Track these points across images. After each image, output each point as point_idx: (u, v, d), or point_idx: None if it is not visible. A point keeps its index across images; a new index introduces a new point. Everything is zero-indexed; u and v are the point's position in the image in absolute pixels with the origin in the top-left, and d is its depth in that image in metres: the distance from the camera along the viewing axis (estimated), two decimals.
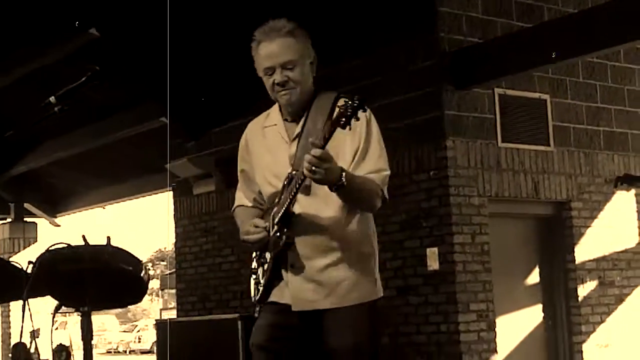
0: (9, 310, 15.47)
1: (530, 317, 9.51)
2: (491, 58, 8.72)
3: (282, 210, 3.70)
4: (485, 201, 8.86)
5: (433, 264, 8.71)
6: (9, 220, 16.30)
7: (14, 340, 15.21)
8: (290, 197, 3.66)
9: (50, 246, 4.07)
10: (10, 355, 14.16)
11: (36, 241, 16.03)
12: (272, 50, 3.76)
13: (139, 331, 44.87)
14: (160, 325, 13.26)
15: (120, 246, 4.13)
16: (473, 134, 8.89)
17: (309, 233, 3.74)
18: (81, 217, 17.19)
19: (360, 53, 9.54)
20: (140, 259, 4.09)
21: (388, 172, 3.82)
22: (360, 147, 3.76)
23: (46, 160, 14.02)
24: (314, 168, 3.44)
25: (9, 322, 15.58)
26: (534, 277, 9.63)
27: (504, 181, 9.04)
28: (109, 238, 4.03)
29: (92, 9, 9.18)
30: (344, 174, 3.54)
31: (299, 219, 3.73)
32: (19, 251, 15.28)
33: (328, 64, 9.65)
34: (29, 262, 4.28)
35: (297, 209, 3.73)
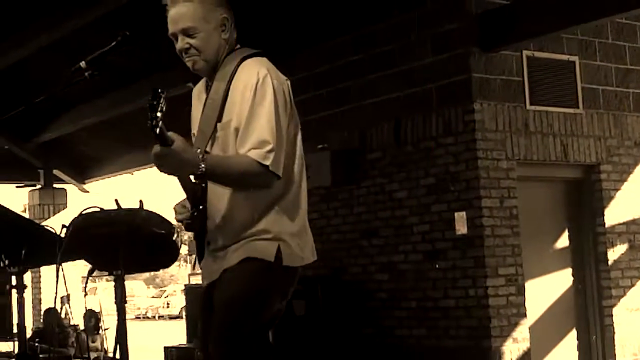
0: (40, 276, 15.60)
1: (560, 281, 9.49)
2: (519, 20, 8.64)
3: (185, 189, 3.68)
4: (513, 164, 8.83)
5: (461, 228, 8.70)
6: (38, 186, 16.40)
7: (45, 305, 15.36)
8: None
9: (84, 210, 4.10)
10: (41, 320, 14.32)
11: (66, 207, 16.12)
12: (172, 16, 3.70)
13: (167, 297, 45.19)
14: (188, 290, 13.37)
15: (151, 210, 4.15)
16: (501, 97, 8.84)
17: (211, 209, 3.67)
18: (110, 183, 17.28)
19: (387, 16, 9.50)
20: (173, 224, 4.11)
21: (271, 145, 3.51)
22: (245, 118, 3.58)
23: (75, 127, 14.08)
24: (157, 164, 3.41)
25: (40, 288, 15.71)
26: (563, 241, 9.60)
27: (532, 144, 9.00)
28: (141, 202, 4.06)
29: None
30: (202, 162, 3.42)
31: (208, 194, 3.67)
32: (48, 217, 15.36)
33: (354, 28, 9.72)
34: (63, 226, 4.31)
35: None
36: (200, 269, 3.78)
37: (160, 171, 3.44)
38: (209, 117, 3.70)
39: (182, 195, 3.72)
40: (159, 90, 3.26)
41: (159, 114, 3.23)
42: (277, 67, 3.74)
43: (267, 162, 3.50)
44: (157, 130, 3.25)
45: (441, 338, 8.85)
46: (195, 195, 3.63)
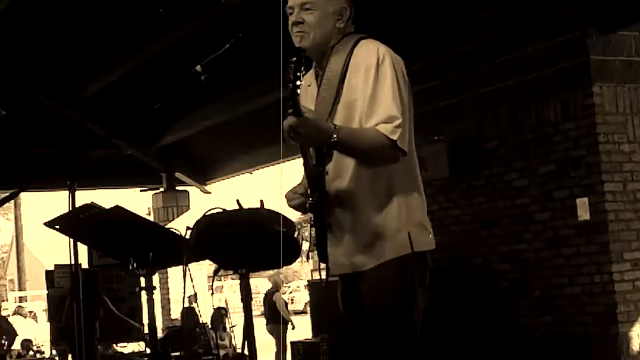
0: (167, 277, 15.95)
1: None
2: None
3: (305, 172, 3.69)
4: (636, 147, 8.63)
5: (584, 214, 8.57)
6: (161, 189, 16.76)
7: (173, 306, 15.70)
8: (311, 155, 3.68)
9: (207, 212, 4.19)
10: (176, 319, 14.65)
11: (189, 209, 16.42)
12: None
13: (291, 292, 45.61)
14: (312, 286, 13.49)
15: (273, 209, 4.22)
16: (620, 79, 8.66)
17: (334, 191, 3.68)
18: (230, 184, 17.54)
19: (501, 2, 9.39)
20: (294, 221, 4.17)
21: (399, 121, 3.53)
22: (369, 94, 3.59)
23: (195, 129, 14.33)
24: (291, 135, 3.41)
25: (168, 288, 16.06)
26: None
27: None
28: (262, 202, 4.12)
29: None
30: (335, 132, 3.43)
31: (328, 177, 3.68)
32: (173, 219, 15.69)
33: (468, 16, 9.65)
34: (187, 228, 4.42)
35: (328, 167, 3.67)
36: (320, 255, 3.79)
37: (294, 141, 3.47)
38: (325, 98, 3.73)
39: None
40: (302, 59, 3.29)
41: (298, 82, 3.26)
42: None
43: (395, 137, 3.53)
44: (297, 99, 3.28)
45: (568, 326, 8.74)
46: (315, 178, 3.67)
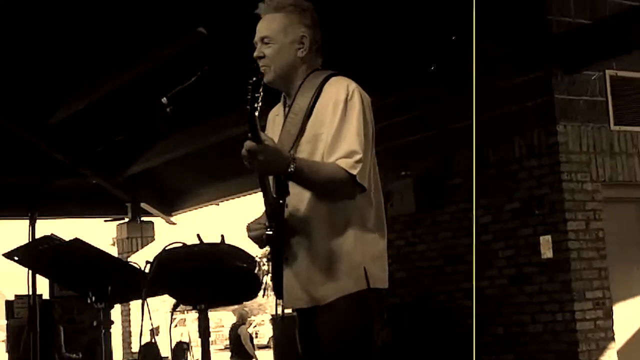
0: (129, 309, 15.83)
1: None
2: (601, 39, 8.55)
3: (265, 203, 3.66)
4: (599, 186, 8.71)
5: (547, 252, 8.61)
6: (126, 220, 16.66)
7: (135, 339, 15.55)
8: (271, 185, 3.64)
9: (167, 246, 4.15)
10: (138, 353, 14.50)
11: (154, 239, 16.33)
12: (259, 26, 3.76)
13: (255, 326, 45.38)
14: (276, 319, 13.42)
15: (234, 244, 4.19)
16: (584, 118, 8.75)
17: (292, 223, 3.65)
18: (196, 215, 17.47)
19: (467, 39, 9.44)
20: (254, 256, 4.14)
21: (360, 156, 3.51)
22: (334, 129, 3.58)
23: (161, 160, 14.29)
24: (248, 161, 3.39)
25: (130, 321, 15.94)
26: None
27: (617, 165, 8.87)
28: (222, 236, 4.10)
29: (199, 7, 9.32)
30: (293, 162, 3.42)
31: (287, 210, 3.64)
32: (137, 250, 15.60)
33: (435, 50, 9.70)
34: (147, 262, 4.38)
35: (288, 198, 3.63)
36: (276, 290, 3.73)
37: (251, 168, 3.43)
38: (290, 132, 3.71)
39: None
40: (260, 81, 3.29)
41: (256, 105, 3.25)
42: None
43: (355, 172, 3.50)
44: (256, 122, 3.27)
45: None
46: (274, 210, 3.64)
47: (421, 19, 9.85)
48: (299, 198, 3.66)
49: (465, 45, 9.36)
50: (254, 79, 3.26)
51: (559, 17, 8.75)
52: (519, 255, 8.88)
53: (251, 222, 3.80)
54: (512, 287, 8.92)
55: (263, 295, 4.11)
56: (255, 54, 3.74)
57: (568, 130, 8.62)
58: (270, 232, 3.62)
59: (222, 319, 45.22)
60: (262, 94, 3.29)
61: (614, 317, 8.58)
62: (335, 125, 3.58)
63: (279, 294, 3.70)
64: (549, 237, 8.57)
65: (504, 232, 9.00)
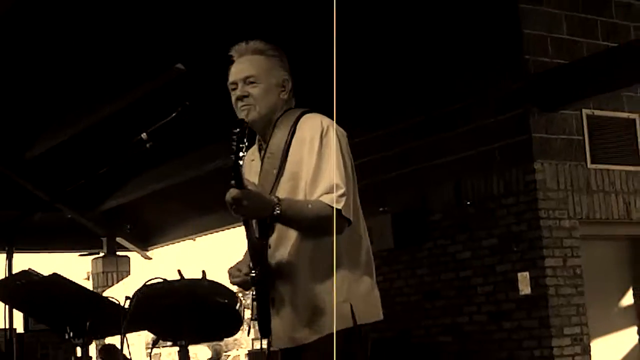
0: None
1: (626, 339, 9.34)
2: (578, 79, 8.63)
3: (248, 245, 3.64)
4: (576, 223, 8.74)
5: (525, 288, 8.62)
6: (101, 254, 16.56)
7: None
8: (254, 228, 3.63)
9: (147, 281, 4.13)
10: None
11: (129, 274, 16.24)
12: (237, 66, 3.75)
13: None
14: (252, 355, 13.36)
15: (214, 279, 4.17)
16: (562, 156, 8.79)
17: (276, 264, 3.64)
18: (172, 250, 17.41)
19: (446, 77, 9.53)
20: (235, 292, 4.13)
21: (342, 190, 3.51)
22: (313, 166, 3.58)
23: (136, 195, 14.24)
24: (233, 207, 3.36)
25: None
26: (628, 299, 9.46)
27: (594, 203, 8.91)
28: (204, 272, 4.08)
29: (177, 44, 9.35)
30: (278, 205, 3.42)
31: (270, 250, 3.65)
32: (112, 285, 15.50)
33: (413, 88, 9.76)
34: (126, 298, 4.35)
35: (271, 239, 3.65)
36: (262, 330, 3.71)
37: (236, 214, 3.41)
38: (268, 171, 3.70)
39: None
40: (245, 130, 3.26)
41: (241, 153, 3.23)
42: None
43: (339, 206, 3.50)
44: (240, 171, 3.25)
45: None
46: (257, 251, 3.62)
47: (400, 55, 9.92)
48: (281, 237, 3.65)
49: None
50: (238, 129, 3.24)
51: (536, 57, 8.82)
52: (498, 292, 8.88)
53: (232, 267, 3.77)
54: (490, 323, 8.92)
55: (247, 333, 4.08)
56: (237, 94, 3.72)
57: (545, 168, 8.67)
58: (254, 274, 3.60)
59: (197, 353, 44.89)
60: (246, 144, 3.27)
61: (591, 353, 8.58)
62: (314, 162, 3.57)
63: (265, 333, 3.68)
64: (526, 274, 8.59)
65: (483, 268, 9.01)
